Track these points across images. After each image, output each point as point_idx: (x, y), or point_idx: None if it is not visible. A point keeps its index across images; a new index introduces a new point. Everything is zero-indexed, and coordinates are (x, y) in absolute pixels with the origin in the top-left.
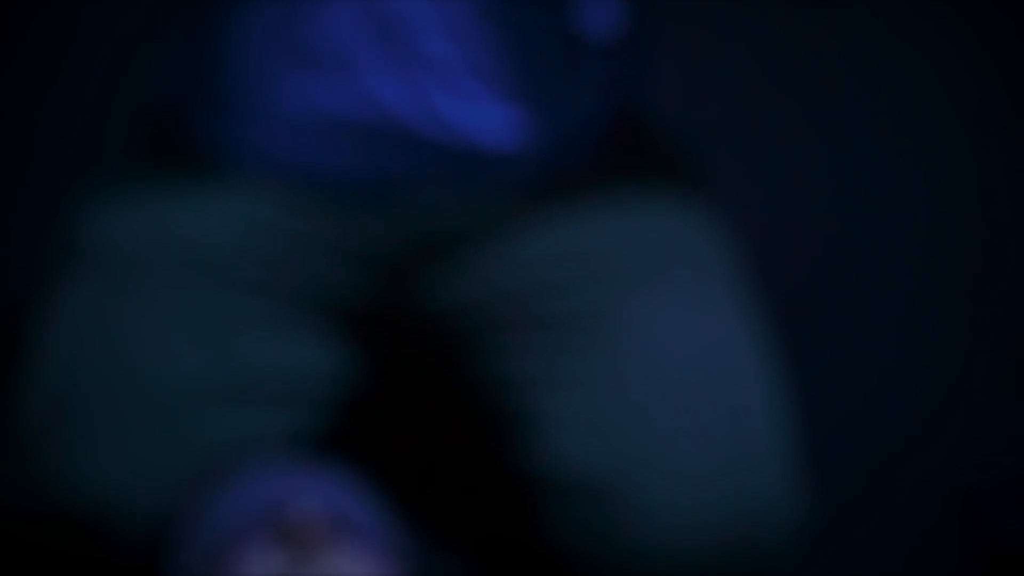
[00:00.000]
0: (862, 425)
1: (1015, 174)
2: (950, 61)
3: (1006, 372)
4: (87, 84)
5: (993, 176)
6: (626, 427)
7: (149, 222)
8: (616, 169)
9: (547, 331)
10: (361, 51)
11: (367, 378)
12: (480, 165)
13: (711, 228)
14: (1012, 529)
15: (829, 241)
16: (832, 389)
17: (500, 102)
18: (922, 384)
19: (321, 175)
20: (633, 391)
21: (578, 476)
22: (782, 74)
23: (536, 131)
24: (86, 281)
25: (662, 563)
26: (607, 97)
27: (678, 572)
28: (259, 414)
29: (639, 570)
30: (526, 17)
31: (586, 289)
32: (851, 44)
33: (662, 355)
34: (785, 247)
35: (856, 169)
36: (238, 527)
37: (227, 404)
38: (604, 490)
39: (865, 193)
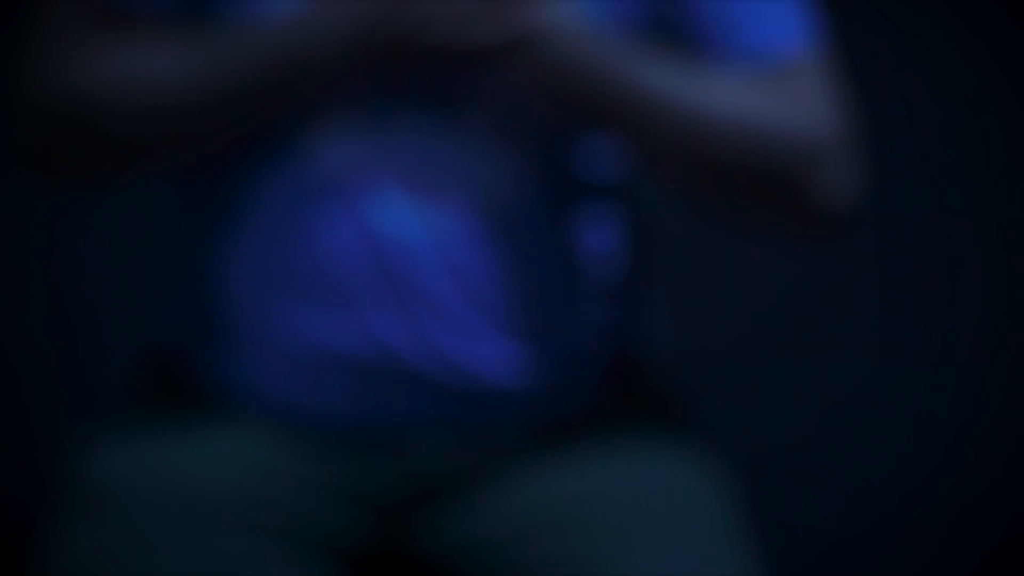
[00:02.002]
0: None
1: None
2: (949, 289)
3: None
4: (88, 323)
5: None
6: None
7: (149, 462)
8: (614, 411)
9: (544, 574)
10: (360, 286)
11: None
12: (479, 405)
13: (707, 471)
14: None
15: (825, 484)
16: None
17: (500, 340)
18: None
19: (321, 415)
20: None
21: None
22: (780, 312)
23: (536, 370)
24: (86, 520)
25: None
26: (606, 336)
27: None
28: None
29: None
30: (526, 254)
31: (583, 533)
32: (851, 280)
33: None
34: (782, 490)
35: (853, 411)
36: None
37: None
38: None
39: (862, 437)
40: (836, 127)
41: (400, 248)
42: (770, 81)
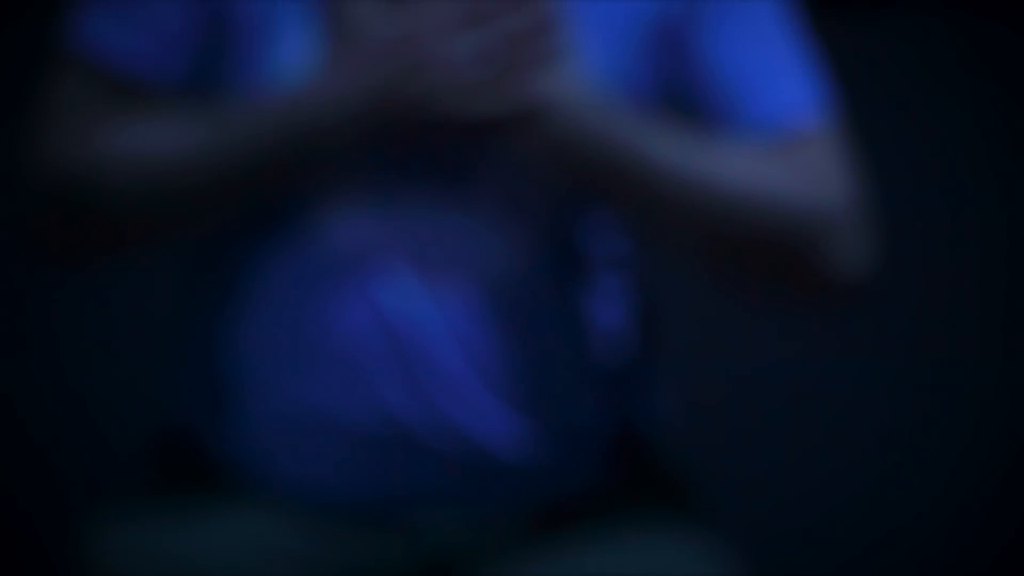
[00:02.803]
0: None
1: None
2: (956, 361)
3: None
4: (98, 401)
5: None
6: None
7: (157, 547)
8: (621, 490)
9: None
10: (370, 361)
11: None
12: (487, 480)
13: (713, 553)
14: None
15: (834, 563)
16: None
17: (509, 414)
18: None
19: (330, 491)
20: None
21: None
22: (787, 392)
23: (543, 445)
24: None
25: None
26: (614, 413)
27: None
28: None
29: None
30: (535, 328)
31: None
32: (855, 356)
33: None
34: (791, 569)
35: (861, 487)
36: None
37: None
38: None
39: (870, 512)
40: (847, 198)
41: (409, 323)
42: (780, 152)
